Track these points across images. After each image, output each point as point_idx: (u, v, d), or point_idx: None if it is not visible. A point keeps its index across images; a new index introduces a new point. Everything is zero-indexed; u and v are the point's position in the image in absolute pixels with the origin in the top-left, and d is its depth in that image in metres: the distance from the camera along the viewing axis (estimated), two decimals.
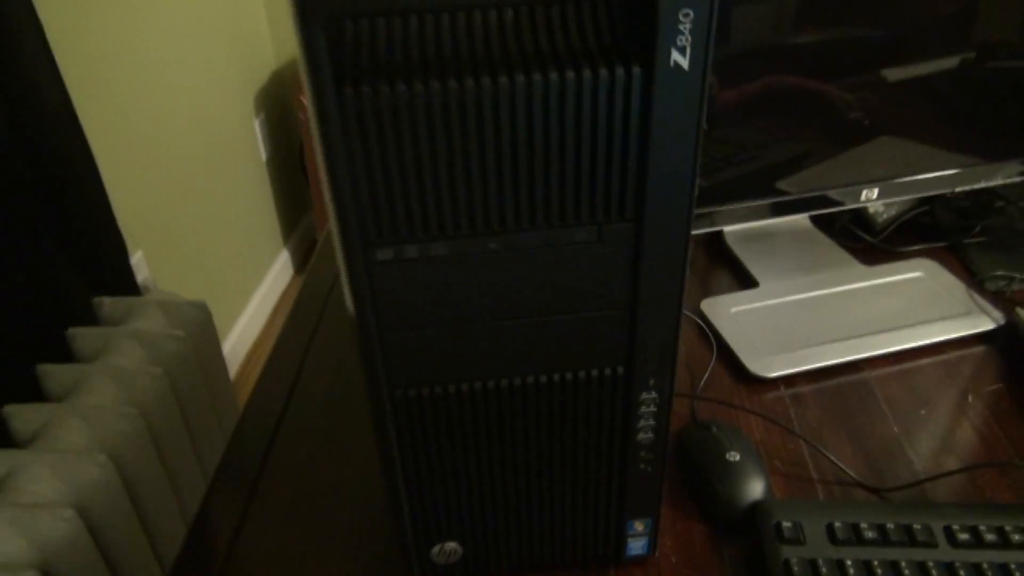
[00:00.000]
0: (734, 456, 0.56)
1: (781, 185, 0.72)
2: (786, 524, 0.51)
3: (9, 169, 0.93)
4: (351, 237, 0.36)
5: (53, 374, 0.91)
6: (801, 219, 0.85)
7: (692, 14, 0.32)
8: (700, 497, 0.56)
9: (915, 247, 0.81)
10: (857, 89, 0.69)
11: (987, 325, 0.70)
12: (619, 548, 0.51)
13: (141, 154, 1.45)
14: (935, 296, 0.74)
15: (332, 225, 0.36)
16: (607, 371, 0.43)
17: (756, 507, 0.53)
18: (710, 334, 0.71)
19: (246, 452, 0.63)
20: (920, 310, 0.72)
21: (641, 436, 0.45)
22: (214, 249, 1.74)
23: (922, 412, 0.63)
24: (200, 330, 1.02)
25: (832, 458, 0.59)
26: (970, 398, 0.64)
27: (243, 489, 0.60)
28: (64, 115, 0.99)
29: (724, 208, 0.70)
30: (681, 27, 0.32)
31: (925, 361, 0.68)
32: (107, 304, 1.02)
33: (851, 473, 0.58)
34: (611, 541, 0.50)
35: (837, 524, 0.51)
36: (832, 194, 0.73)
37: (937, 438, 0.61)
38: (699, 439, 0.58)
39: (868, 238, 0.82)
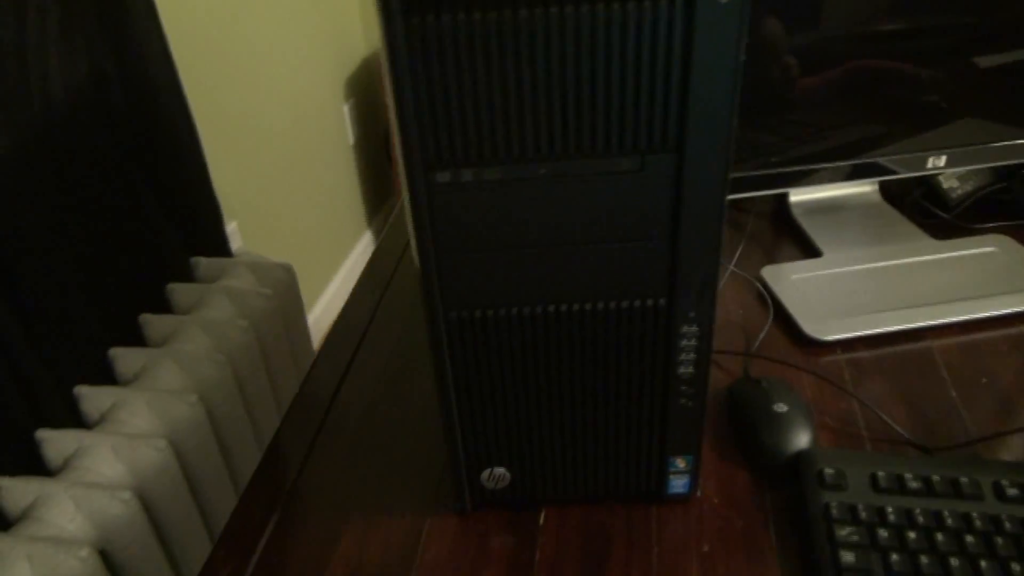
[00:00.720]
0: (781, 407, 0.57)
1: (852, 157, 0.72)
2: (828, 471, 0.52)
3: (121, 137, 1.02)
4: (414, 159, 0.40)
5: (153, 323, 0.99)
6: (871, 193, 0.84)
7: None
8: (746, 446, 0.58)
9: (990, 224, 0.80)
10: (939, 73, 0.69)
11: None
12: (661, 484, 0.53)
13: (239, 131, 1.54)
14: (1008, 270, 0.72)
15: (397, 149, 0.40)
16: (649, 302, 0.45)
17: (800, 456, 0.54)
18: (768, 298, 0.72)
19: (318, 390, 0.68)
20: (991, 283, 0.71)
21: (682, 370, 0.47)
22: (302, 225, 1.82)
23: (983, 380, 0.62)
24: (285, 289, 1.09)
25: (883, 416, 0.59)
26: None
27: (313, 423, 0.65)
28: (171, 90, 1.07)
29: (791, 169, 0.71)
30: None
31: (992, 333, 0.67)
32: (203, 263, 1.10)
33: (902, 431, 0.58)
34: (653, 477, 0.53)
35: (881, 473, 0.51)
36: (895, 161, 0.72)
37: (996, 404, 0.60)
38: (748, 392, 0.60)
39: (941, 213, 0.81)
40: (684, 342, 0.46)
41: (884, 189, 0.85)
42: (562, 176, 0.41)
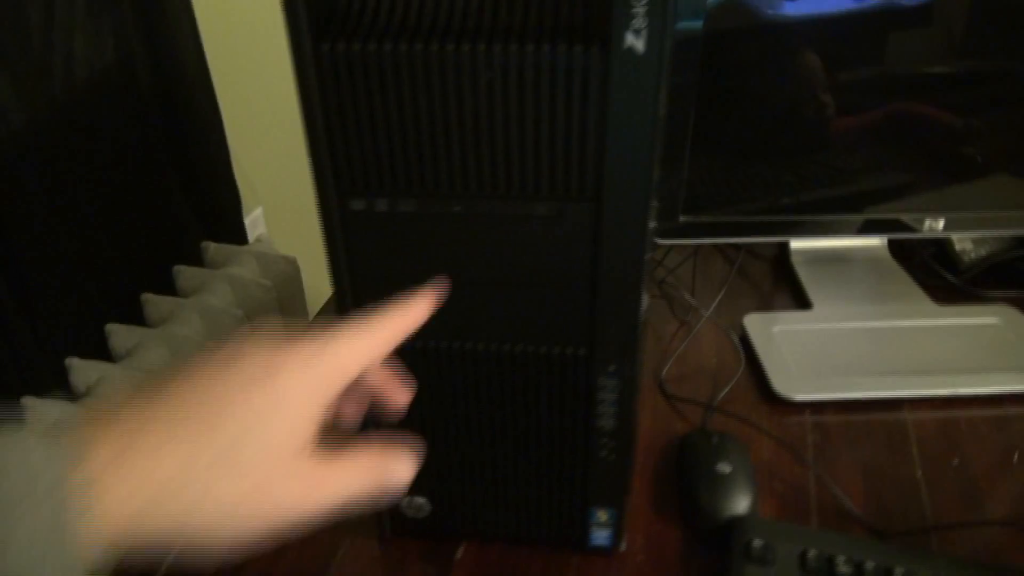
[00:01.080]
0: (725, 468, 0.55)
1: (864, 208, 0.68)
2: (757, 543, 0.49)
3: (145, 119, 1.04)
4: (327, 185, 0.39)
5: (153, 303, 1.01)
6: (878, 247, 0.81)
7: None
8: (683, 503, 0.56)
9: (1001, 292, 0.75)
10: (978, 123, 0.65)
11: None
12: (582, 535, 0.51)
13: (268, 117, 1.56)
14: (1007, 346, 0.68)
15: (311, 173, 0.39)
16: (568, 351, 0.43)
17: (734, 521, 0.52)
18: (740, 348, 0.69)
19: None
20: (985, 357, 0.67)
21: (602, 422, 0.46)
22: None
23: (954, 462, 0.59)
24: (287, 282, 1.10)
25: (836, 491, 0.56)
26: (1016, 458, 0.59)
27: None
28: (199, 75, 1.09)
29: (798, 219, 0.68)
30: (635, 11, 0.33)
31: (974, 412, 0.63)
32: (212, 248, 1.12)
33: (854, 509, 0.55)
34: (575, 526, 0.51)
35: (812, 552, 0.49)
36: (889, 217, 0.69)
37: (962, 491, 0.56)
38: (697, 446, 0.57)
39: (949, 276, 0.77)
40: (604, 394, 0.45)
41: (893, 244, 0.81)
42: (478, 216, 0.39)
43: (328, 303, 0.83)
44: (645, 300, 0.42)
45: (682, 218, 0.64)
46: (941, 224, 0.67)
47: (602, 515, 0.50)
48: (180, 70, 1.07)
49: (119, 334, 0.95)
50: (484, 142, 0.37)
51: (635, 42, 0.33)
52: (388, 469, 0.33)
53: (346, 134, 0.37)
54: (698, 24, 0.57)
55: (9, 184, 0.83)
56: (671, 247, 0.81)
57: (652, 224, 0.38)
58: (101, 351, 0.97)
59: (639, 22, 0.33)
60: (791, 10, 0.59)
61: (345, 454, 0.31)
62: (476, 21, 0.35)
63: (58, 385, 0.90)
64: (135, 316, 1.03)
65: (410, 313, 0.35)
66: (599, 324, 0.42)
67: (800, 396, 0.64)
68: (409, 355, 0.44)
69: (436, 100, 0.36)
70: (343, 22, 0.36)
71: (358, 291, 0.43)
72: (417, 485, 0.51)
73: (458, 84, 0.35)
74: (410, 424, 0.48)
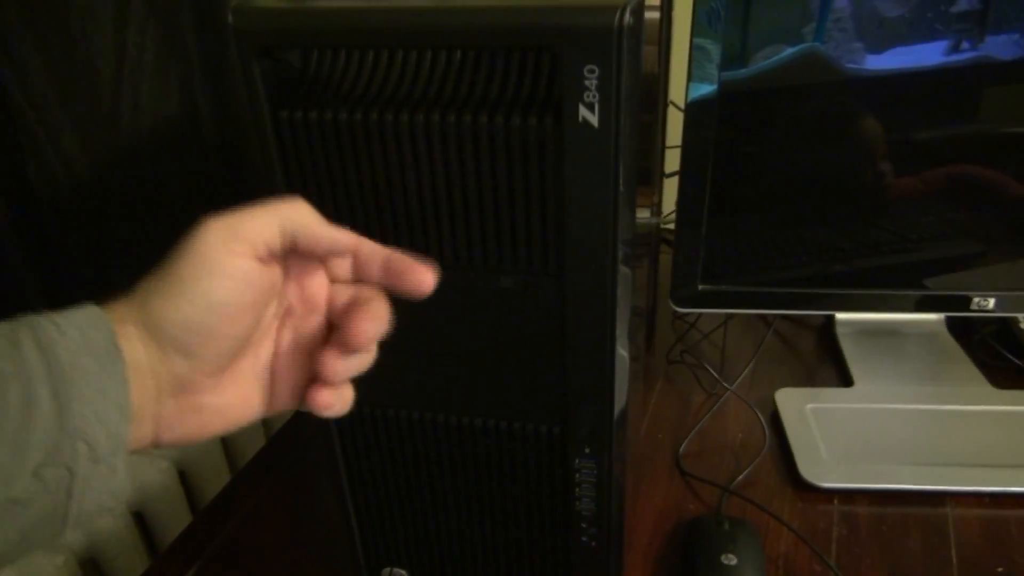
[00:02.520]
0: (730, 559, 0.50)
1: (918, 283, 0.63)
2: None
3: (210, 168, 1.09)
4: None
5: None
6: (934, 322, 0.75)
7: (597, 70, 0.31)
8: None
9: None
10: None
11: None
12: None
13: None
14: None
15: None
16: (542, 429, 0.41)
17: None
18: (766, 427, 0.65)
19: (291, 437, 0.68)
20: None
21: (581, 506, 0.43)
22: None
23: (999, 570, 0.52)
24: None
25: None
26: None
27: (263, 484, 0.65)
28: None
29: (812, 291, 0.64)
30: (587, 83, 0.31)
31: None
32: None
33: None
34: None
35: None
36: (939, 295, 0.63)
37: None
38: (706, 532, 0.53)
39: (1012, 358, 0.70)
40: (581, 477, 0.42)
41: (952, 320, 0.75)
42: (443, 287, 0.38)
43: None
44: (623, 379, 0.39)
45: (701, 287, 0.61)
46: (991, 303, 0.61)
47: None
48: (243, 121, 1.11)
49: None
50: (444, 213, 0.36)
51: (588, 115, 0.32)
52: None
53: (306, 197, 0.37)
54: (713, 88, 0.54)
55: (65, 230, 0.88)
56: (700, 314, 0.77)
57: (621, 300, 0.36)
58: None
59: (591, 95, 0.31)
60: (855, 67, 0.55)
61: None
62: (436, 92, 0.35)
63: None
64: None
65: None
66: (571, 403, 0.39)
67: (828, 483, 0.59)
68: (381, 423, 0.43)
69: (393, 168, 0.35)
70: (303, 91, 0.36)
71: None
72: (396, 556, 0.49)
73: (413, 153, 0.34)
74: (386, 496, 0.46)
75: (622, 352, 0.38)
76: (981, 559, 0.53)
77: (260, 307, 0.30)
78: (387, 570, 0.50)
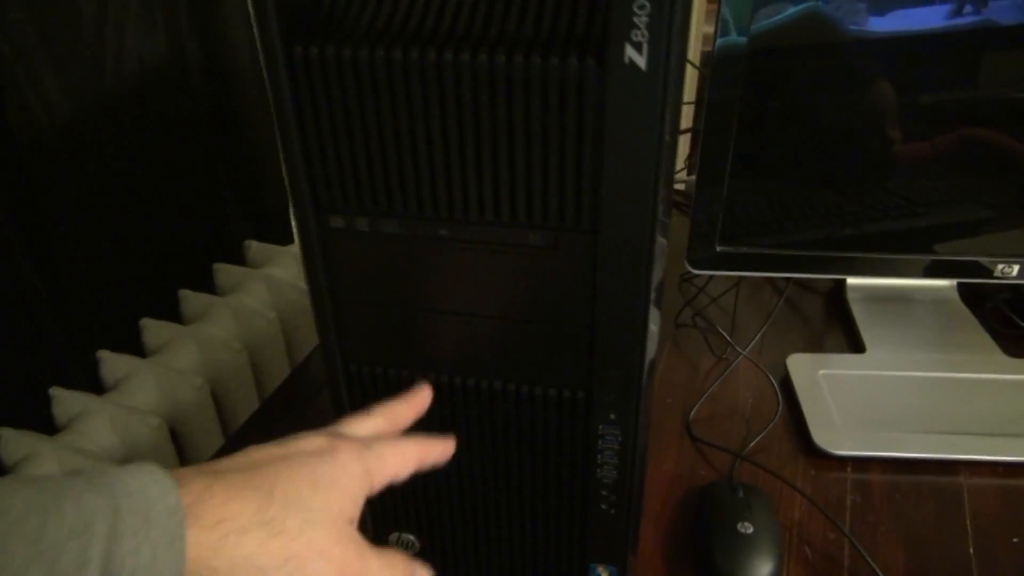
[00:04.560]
0: (747, 527, 0.49)
1: (933, 247, 0.61)
2: None
3: (197, 111, 1.04)
4: (303, 200, 0.36)
5: (190, 300, 1.01)
6: (946, 288, 0.73)
7: (648, 7, 0.28)
8: (700, 562, 0.50)
9: None
10: None
11: None
12: None
13: None
14: None
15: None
16: (566, 394, 0.39)
17: None
18: (779, 392, 0.64)
19: (302, 389, 0.66)
20: None
21: (602, 473, 0.41)
22: None
23: (1015, 540, 0.52)
24: None
25: (873, 564, 0.50)
26: None
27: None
28: (252, 72, 1.09)
29: (825, 253, 0.62)
30: (636, 20, 0.28)
31: None
32: (253, 247, 1.11)
33: None
34: None
35: None
36: (963, 259, 0.61)
37: (1021, 574, 0.49)
38: (719, 499, 0.52)
39: None
40: (604, 444, 0.40)
41: (964, 286, 0.73)
42: (467, 241, 0.36)
43: None
44: (653, 343, 0.37)
45: (719, 247, 0.59)
46: (1015, 270, 0.60)
47: (603, 572, 0.46)
48: (232, 65, 1.06)
49: (152, 329, 0.95)
50: (470, 161, 0.33)
51: (635, 56, 0.29)
52: None
53: (322, 146, 0.34)
54: (743, 40, 0.52)
55: (48, 174, 0.84)
56: (710, 276, 0.76)
57: (657, 262, 0.34)
58: (134, 345, 0.97)
59: (639, 34, 0.28)
60: (871, 26, 0.53)
61: (384, 550, 0.33)
62: (466, 28, 0.32)
63: (87, 377, 0.91)
64: (172, 311, 1.03)
65: (414, 405, 0.38)
66: (598, 367, 0.37)
67: (842, 451, 0.58)
68: (395, 384, 0.41)
69: (417, 113, 0.32)
70: (321, 24, 0.33)
71: (340, 316, 0.39)
72: (405, 521, 0.47)
73: (441, 96, 0.32)
74: None
75: (656, 312, 0.36)
76: (997, 529, 0.53)
77: None
78: (395, 535, 0.48)
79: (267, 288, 1.03)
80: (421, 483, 0.45)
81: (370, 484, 0.33)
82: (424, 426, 0.42)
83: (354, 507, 0.32)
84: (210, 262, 1.08)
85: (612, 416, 0.39)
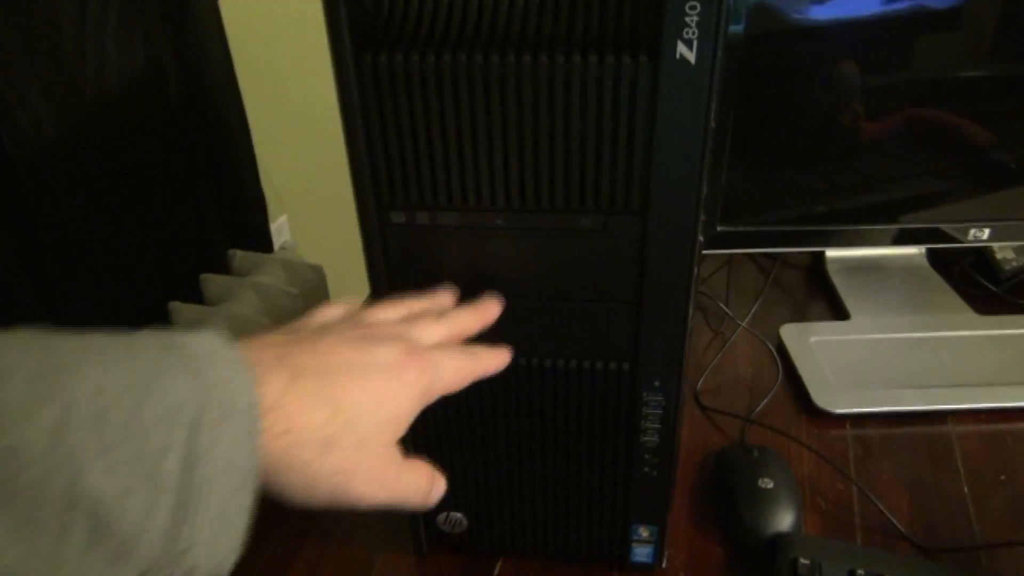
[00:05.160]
0: (767, 483, 0.53)
1: (900, 217, 0.67)
2: (803, 561, 0.48)
3: (173, 128, 1.04)
4: (367, 198, 0.38)
5: (181, 312, 1.01)
6: (916, 256, 0.79)
7: (699, 7, 0.31)
8: (725, 519, 0.54)
9: None
10: (1008, 129, 0.63)
11: None
12: (623, 551, 0.50)
13: (294, 126, 1.56)
14: None
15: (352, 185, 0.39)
16: (612, 366, 0.42)
17: (778, 538, 0.51)
18: (778, 360, 0.68)
19: None
20: None
21: (645, 438, 0.45)
22: (350, 223, 1.85)
23: (1002, 477, 0.57)
24: (313, 290, 1.09)
25: (881, 507, 0.54)
26: None
27: None
28: (227, 86, 1.10)
29: (832, 228, 0.66)
30: (688, 19, 0.32)
31: (1021, 425, 0.61)
32: (238, 256, 1.12)
33: (900, 525, 0.53)
34: (615, 542, 0.50)
35: (860, 571, 0.47)
36: (927, 227, 0.67)
37: (1012, 508, 0.55)
38: (737, 460, 0.56)
39: (990, 286, 0.75)
40: (648, 410, 0.44)
41: (932, 253, 0.79)
42: (521, 229, 0.39)
43: None
44: (691, 314, 0.41)
45: (719, 227, 0.63)
46: (985, 234, 0.65)
47: (644, 532, 0.49)
48: (208, 78, 1.07)
49: None
50: (528, 155, 0.36)
51: (686, 52, 0.32)
52: (435, 488, 0.36)
53: (387, 146, 0.37)
54: (739, 29, 0.56)
55: (39, 192, 0.84)
56: (703, 256, 0.80)
57: (700, 238, 0.37)
58: None
59: (690, 31, 0.32)
60: (819, 14, 0.57)
61: (414, 462, 0.34)
62: (520, 30, 0.35)
63: None
64: (163, 326, 1.03)
65: (483, 314, 0.39)
66: (644, 339, 0.41)
67: (840, 409, 0.62)
68: None
69: (478, 112, 0.35)
70: (385, 31, 0.35)
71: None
72: (454, 501, 0.50)
73: (501, 96, 0.35)
74: (447, 440, 0.47)
75: (695, 283, 0.39)
76: (985, 469, 0.58)
77: None
78: (443, 514, 0.51)
79: (257, 296, 1.04)
80: (469, 462, 0.48)
81: (427, 400, 0.34)
82: (474, 403, 0.45)
83: (406, 425, 0.33)
84: (195, 273, 1.09)
85: (656, 383, 0.42)
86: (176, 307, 1.01)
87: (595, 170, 0.36)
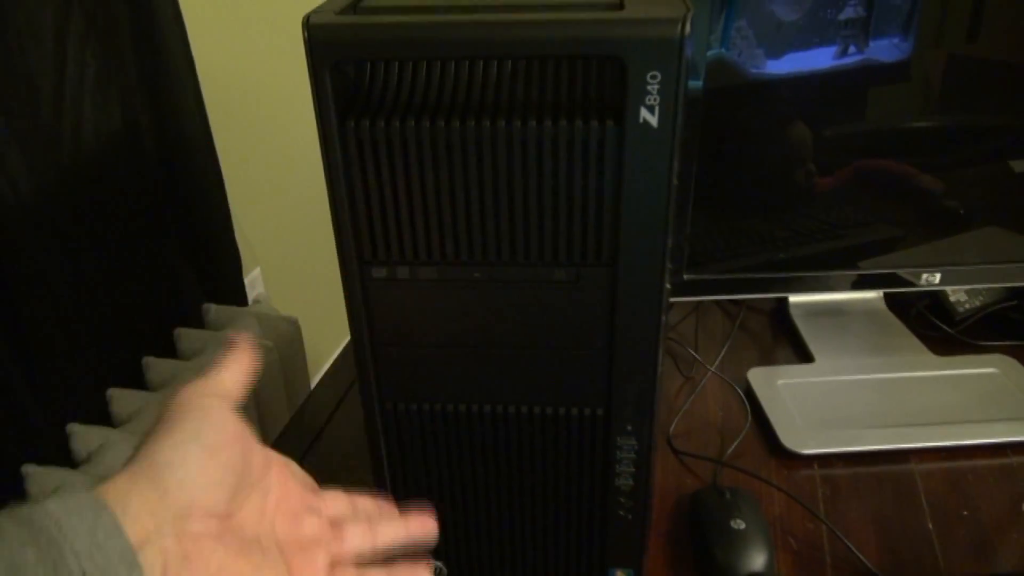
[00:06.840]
0: (739, 524, 0.55)
1: (858, 263, 0.70)
2: None
3: (149, 185, 1.06)
4: (348, 254, 0.40)
5: (155, 367, 1.01)
6: (874, 300, 0.82)
7: (660, 76, 0.34)
8: (699, 561, 0.55)
9: (996, 343, 0.77)
10: (956, 177, 0.67)
11: None
12: None
13: (267, 180, 1.58)
14: (1006, 395, 0.69)
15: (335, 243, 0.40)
16: (586, 411, 0.44)
17: None
18: (747, 403, 0.70)
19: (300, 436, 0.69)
20: (986, 407, 0.68)
21: (620, 482, 0.46)
22: (324, 275, 1.85)
23: (964, 513, 0.59)
24: (288, 343, 1.10)
25: (850, 545, 0.56)
26: None
27: None
28: (202, 142, 1.11)
29: (792, 275, 0.69)
30: (649, 88, 0.34)
31: (980, 462, 0.64)
32: (213, 310, 1.12)
33: (868, 563, 0.55)
34: None
35: None
36: (883, 272, 0.70)
37: (974, 542, 0.57)
38: (710, 503, 0.58)
39: (945, 327, 0.78)
40: (622, 454, 0.45)
41: (889, 296, 0.83)
42: (498, 281, 0.40)
43: (334, 364, 0.84)
44: (661, 359, 0.43)
45: (686, 276, 0.66)
46: (937, 278, 0.69)
47: (620, 575, 0.50)
48: (183, 135, 1.09)
49: (121, 399, 0.95)
50: (503, 212, 0.38)
51: (649, 116, 0.35)
52: None
53: (368, 206, 0.39)
54: (698, 84, 0.59)
55: (16, 250, 0.84)
56: (672, 303, 0.82)
57: (668, 286, 0.39)
58: (103, 416, 0.96)
59: (652, 98, 0.34)
60: (775, 68, 0.61)
61: None
62: (494, 97, 0.37)
63: (59, 451, 0.90)
64: (137, 380, 1.02)
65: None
66: (616, 385, 0.43)
67: (808, 449, 0.64)
68: (427, 417, 0.45)
69: (456, 174, 0.37)
70: (367, 99, 0.37)
71: (378, 355, 0.43)
72: (435, 547, 0.51)
73: (478, 158, 0.37)
74: (427, 487, 0.48)
75: (664, 329, 0.41)
76: (947, 505, 0.60)
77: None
78: None
79: None
80: (448, 509, 0.49)
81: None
82: (452, 450, 0.46)
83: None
84: (169, 328, 1.09)
85: (629, 428, 0.44)
86: (150, 362, 1.01)
87: (567, 226, 0.38)
